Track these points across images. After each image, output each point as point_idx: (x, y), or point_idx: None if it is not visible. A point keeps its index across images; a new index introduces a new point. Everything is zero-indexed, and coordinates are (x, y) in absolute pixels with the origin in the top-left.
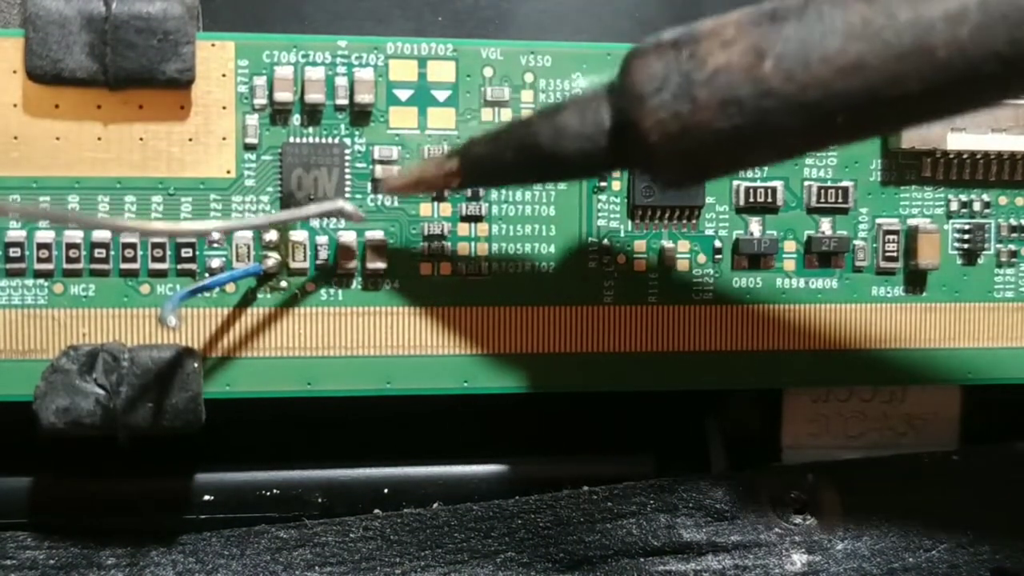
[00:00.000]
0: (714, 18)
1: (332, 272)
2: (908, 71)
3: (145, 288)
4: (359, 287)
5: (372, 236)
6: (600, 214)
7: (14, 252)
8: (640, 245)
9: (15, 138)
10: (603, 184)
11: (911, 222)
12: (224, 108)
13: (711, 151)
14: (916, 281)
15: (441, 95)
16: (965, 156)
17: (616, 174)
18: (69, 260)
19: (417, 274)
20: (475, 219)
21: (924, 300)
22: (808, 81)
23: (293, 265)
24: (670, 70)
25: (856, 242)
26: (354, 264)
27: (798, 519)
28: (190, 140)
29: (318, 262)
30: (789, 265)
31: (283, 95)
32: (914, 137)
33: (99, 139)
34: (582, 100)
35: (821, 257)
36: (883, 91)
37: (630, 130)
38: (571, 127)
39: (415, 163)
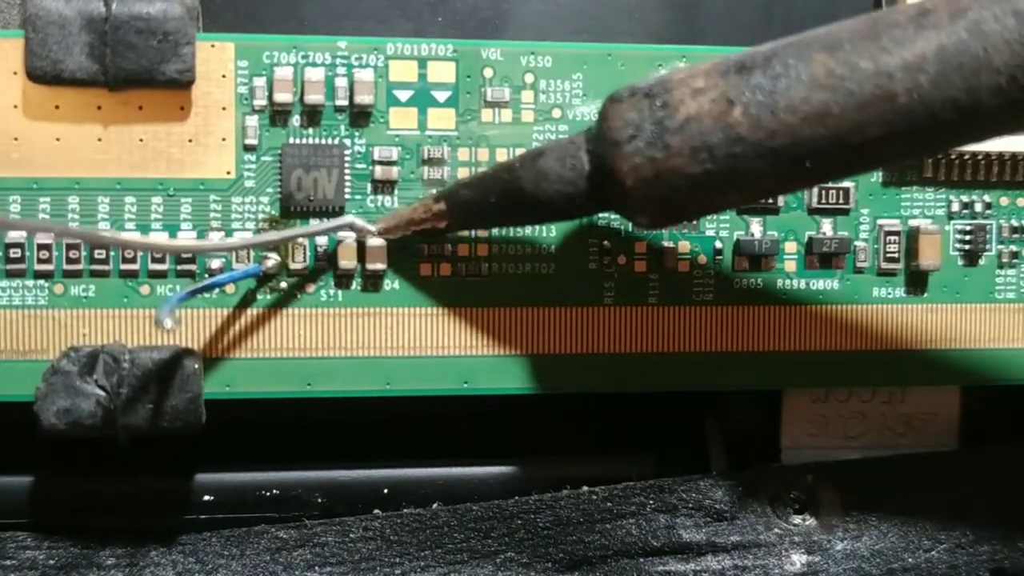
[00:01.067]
0: (685, 68)
1: (329, 267)
2: (870, 118)
3: (145, 289)
4: (359, 288)
5: (372, 240)
6: (600, 214)
7: (14, 253)
8: (640, 246)
9: (15, 139)
10: None
11: (912, 223)
12: (224, 109)
13: (685, 195)
14: (917, 282)
15: (441, 96)
16: (966, 157)
17: None
18: (69, 261)
19: (417, 274)
20: None
21: (925, 301)
22: (775, 128)
23: (293, 266)
24: (644, 118)
25: (857, 243)
26: (354, 264)
27: (797, 519)
28: (190, 141)
29: (318, 263)
30: (790, 266)
31: (283, 96)
32: None
33: (99, 140)
34: (562, 146)
35: (822, 258)
36: (847, 137)
37: (607, 175)
38: (552, 171)
39: (405, 206)
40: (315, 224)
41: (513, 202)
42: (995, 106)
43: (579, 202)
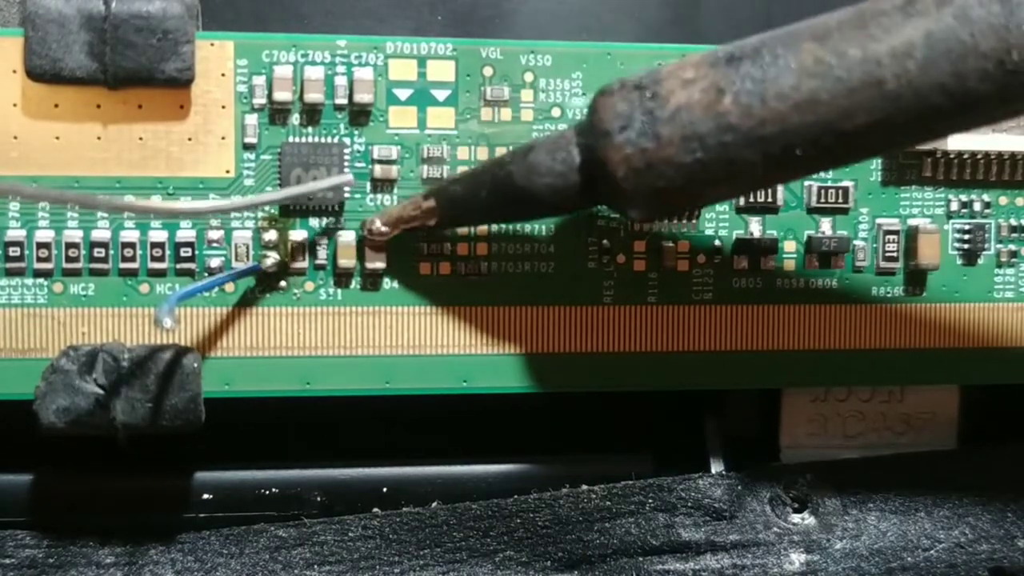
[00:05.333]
0: (674, 62)
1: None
2: (859, 104)
3: (144, 287)
4: (358, 287)
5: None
6: (600, 214)
7: (14, 252)
8: (640, 245)
9: (15, 137)
10: None
11: (911, 222)
12: (223, 107)
13: (676, 185)
14: (916, 281)
15: (441, 95)
16: (965, 156)
17: None
18: (68, 259)
19: (417, 274)
20: None
21: (924, 300)
22: (765, 116)
23: (292, 265)
24: (634, 108)
25: (856, 242)
26: (353, 262)
27: (796, 519)
28: (189, 139)
29: (317, 261)
30: (789, 265)
31: (282, 94)
32: None
33: (98, 138)
34: (553, 139)
35: (821, 257)
36: (837, 124)
37: (598, 166)
38: (543, 165)
39: (395, 205)
40: (314, 182)
41: (503, 197)
42: (982, 91)
43: (569, 195)
